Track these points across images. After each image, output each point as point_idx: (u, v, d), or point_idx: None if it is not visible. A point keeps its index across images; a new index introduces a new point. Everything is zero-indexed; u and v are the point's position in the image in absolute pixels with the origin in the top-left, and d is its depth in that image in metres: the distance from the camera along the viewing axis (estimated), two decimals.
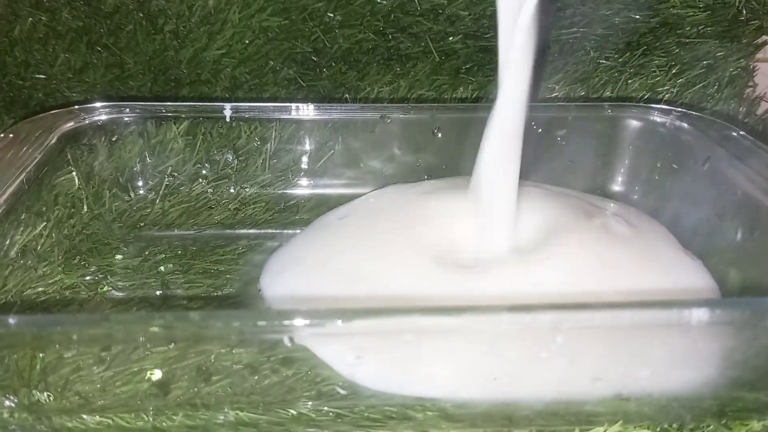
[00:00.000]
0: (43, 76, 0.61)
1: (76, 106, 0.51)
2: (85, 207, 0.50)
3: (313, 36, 0.62)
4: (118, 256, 0.48)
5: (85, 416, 0.34)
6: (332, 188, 0.55)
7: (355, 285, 0.42)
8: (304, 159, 0.55)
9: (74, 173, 0.49)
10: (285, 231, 0.50)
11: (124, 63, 0.61)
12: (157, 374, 0.34)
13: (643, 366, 0.35)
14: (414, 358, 0.36)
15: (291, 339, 0.32)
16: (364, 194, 0.52)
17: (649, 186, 0.53)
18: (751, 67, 0.68)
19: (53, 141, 0.47)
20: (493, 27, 0.43)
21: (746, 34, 0.65)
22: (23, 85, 0.62)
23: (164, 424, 0.34)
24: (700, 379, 0.36)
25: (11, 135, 0.46)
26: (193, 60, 0.61)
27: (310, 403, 0.35)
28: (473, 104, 0.62)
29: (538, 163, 0.55)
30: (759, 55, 0.68)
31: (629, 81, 0.65)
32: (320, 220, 0.50)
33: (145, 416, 0.34)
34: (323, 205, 0.53)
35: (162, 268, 0.47)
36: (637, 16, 0.63)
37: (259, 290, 0.44)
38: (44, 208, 0.46)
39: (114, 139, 0.52)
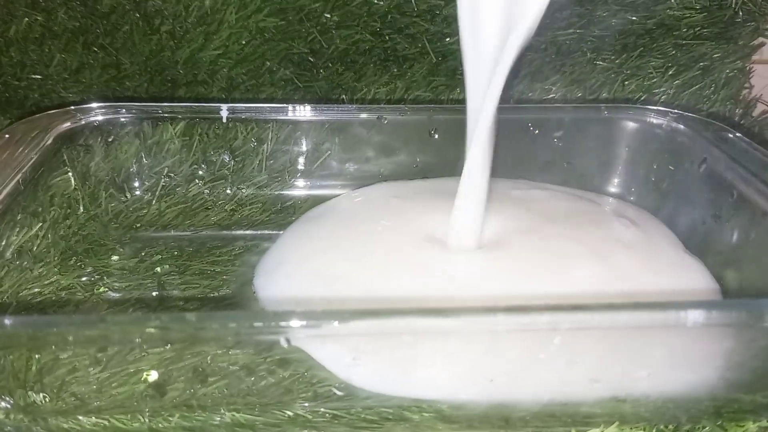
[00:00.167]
0: (39, 77, 0.61)
1: (72, 107, 0.51)
2: (82, 208, 0.49)
3: (309, 37, 0.62)
4: (115, 257, 0.48)
5: (81, 417, 0.34)
6: (329, 189, 0.55)
7: (336, 284, 0.42)
8: (301, 160, 0.55)
9: (70, 174, 0.49)
10: (281, 232, 0.50)
11: (120, 63, 0.61)
12: (153, 375, 0.34)
13: (640, 367, 0.35)
14: (410, 360, 0.36)
15: (288, 340, 0.32)
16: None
17: (646, 188, 0.54)
18: (748, 68, 0.68)
19: (49, 141, 0.47)
20: None
21: (742, 35, 0.66)
22: (19, 86, 0.62)
23: (160, 425, 0.34)
24: (697, 380, 0.36)
25: (7, 135, 0.46)
26: (189, 60, 0.61)
27: (306, 404, 0.35)
28: None
29: (534, 164, 0.56)
30: (755, 57, 0.68)
31: (626, 82, 0.65)
32: (308, 215, 0.51)
33: (141, 417, 0.34)
34: None
35: (158, 269, 0.47)
36: (634, 18, 0.63)
37: (254, 292, 0.44)
38: (40, 209, 0.46)
39: (110, 140, 0.52)
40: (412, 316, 0.30)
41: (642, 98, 0.65)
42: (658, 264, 0.44)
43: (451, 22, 0.62)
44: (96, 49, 0.61)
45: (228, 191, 0.55)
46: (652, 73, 0.65)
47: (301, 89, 0.63)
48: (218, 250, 0.49)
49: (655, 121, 0.53)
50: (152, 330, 0.30)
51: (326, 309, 0.30)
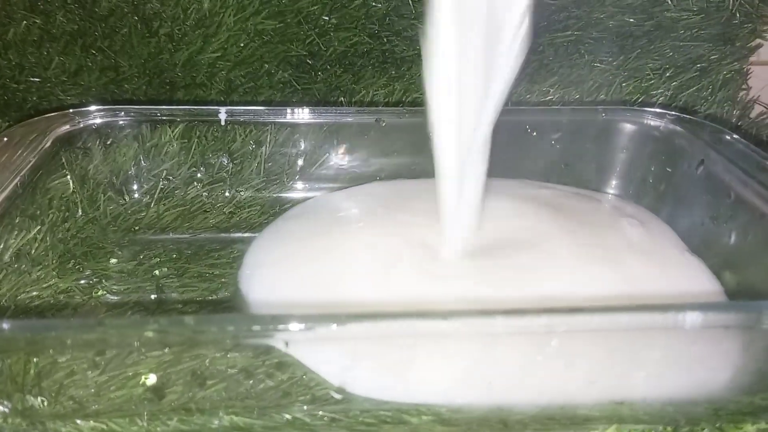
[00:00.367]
0: (37, 79, 0.61)
1: (71, 110, 0.51)
2: (80, 211, 0.49)
3: (308, 39, 0.62)
4: (113, 260, 0.48)
5: (79, 421, 0.34)
6: (327, 192, 0.55)
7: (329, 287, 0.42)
8: (299, 162, 0.55)
9: (69, 177, 0.49)
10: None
11: (118, 66, 0.61)
12: (151, 379, 0.34)
13: (638, 369, 0.35)
14: (408, 364, 0.36)
15: (286, 343, 0.32)
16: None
17: (643, 189, 0.54)
18: (745, 70, 0.68)
19: (48, 144, 0.47)
20: None
21: (740, 37, 0.66)
22: (17, 89, 0.61)
23: (159, 428, 0.34)
24: (695, 382, 0.36)
25: (5, 138, 0.46)
26: (188, 63, 0.61)
27: (304, 407, 0.35)
28: None
29: (532, 166, 0.56)
30: (752, 58, 0.68)
31: (623, 84, 0.65)
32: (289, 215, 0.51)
33: (139, 421, 0.34)
34: None
35: (157, 272, 0.47)
36: (632, 20, 0.63)
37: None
38: (39, 212, 0.46)
39: (109, 143, 0.52)
40: (411, 320, 0.30)
41: (639, 100, 0.65)
42: (665, 265, 0.45)
43: None
44: (94, 52, 0.61)
45: (226, 194, 0.55)
46: (649, 74, 0.65)
47: (299, 91, 0.63)
48: (217, 252, 0.49)
49: (652, 122, 0.53)
50: (150, 333, 0.30)
51: (325, 312, 0.30)
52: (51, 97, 0.62)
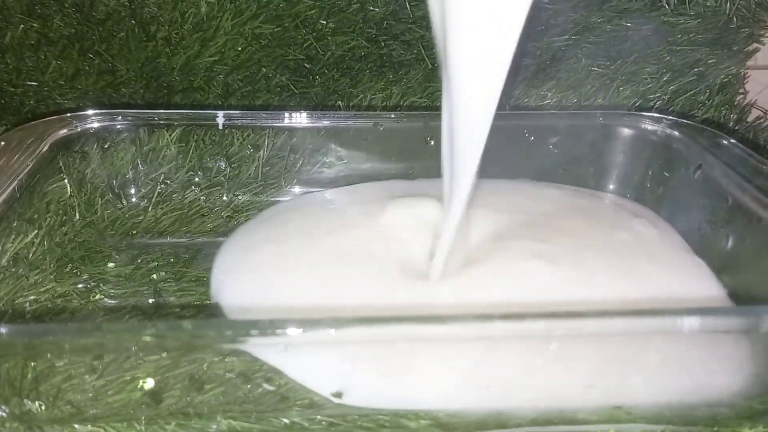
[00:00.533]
0: (34, 83, 0.61)
1: (68, 114, 0.51)
2: (77, 215, 0.49)
3: (305, 43, 0.62)
4: (111, 264, 0.48)
5: (77, 425, 0.34)
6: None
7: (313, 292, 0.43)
8: (297, 166, 0.55)
9: (66, 181, 0.49)
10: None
11: (116, 70, 0.61)
12: (149, 383, 0.34)
13: (636, 374, 0.35)
14: (406, 367, 0.36)
15: (286, 347, 0.32)
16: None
17: (641, 193, 0.54)
18: (742, 74, 0.68)
19: (45, 148, 0.47)
20: None
21: (737, 41, 0.66)
22: (15, 92, 0.61)
23: None
24: (693, 386, 0.36)
25: (3, 142, 0.46)
26: (185, 67, 0.61)
27: (302, 411, 0.35)
28: None
29: (530, 170, 0.56)
30: (749, 63, 0.68)
31: (621, 88, 0.65)
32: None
33: (137, 425, 0.34)
34: None
35: (154, 276, 0.47)
36: (629, 24, 0.63)
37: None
38: (36, 216, 0.46)
39: (106, 147, 0.52)
40: (410, 324, 0.30)
41: (637, 104, 0.65)
42: (677, 268, 0.45)
43: None
44: (92, 56, 0.61)
45: (224, 198, 0.55)
46: (646, 78, 0.65)
47: (297, 96, 0.64)
48: (215, 257, 0.49)
49: (649, 127, 0.53)
50: (148, 338, 0.30)
51: (325, 316, 0.30)
52: (48, 100, 0.62)
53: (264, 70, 0.62)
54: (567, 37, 0.63)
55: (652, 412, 0.35)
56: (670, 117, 0.53)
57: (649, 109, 0.63)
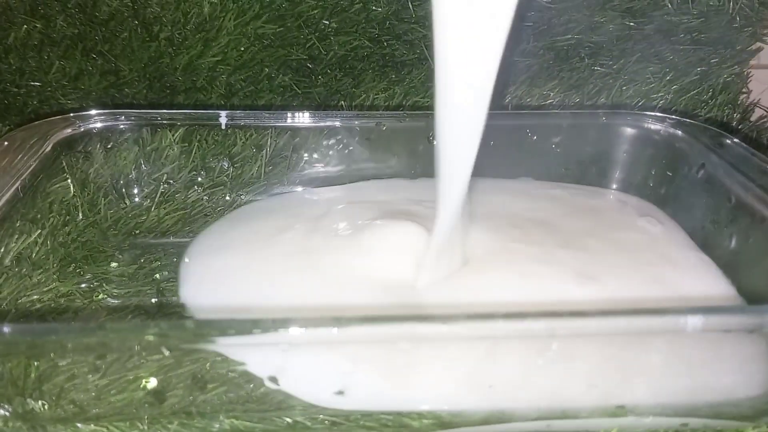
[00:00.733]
0: (38, 84, 0.61)
1: (72, 114, 0.51)
2: (80, 214, 0.49)
3: (308, 43, 0.62)
4: (114, 264, 0.48)
5: (79, 425, 0.34)
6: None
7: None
8: (299, 166, 0.55)
9: (69, 181, 0.49)
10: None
11: (119, 70, 0.61)
12: (152, 382, 0.34)
13: (639, 373, 0.35)
14: (408, 367, 0.36)
15: (287, 346, 0.32)
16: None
17: (644, 193, 0.54)
18: (745, 73, 0.68)
19: (48, 148, 0.47)
20: None
21: (740, 40, 0.66)
22: (18, 93, 0.62)
23: None
24: (696, 385, 0.36)
25: (6, 142, 0.46)
26: (188, 67, 0.61)
27: (305, 411, 0.35)
28: None
29: (532, 170, 0.56)
30: (753, 62, 0.68)
31: (624, 88, 0.65)
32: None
33: (140, 425, 0.34)
34: None
35: (157, 275, 0.47)
36: (632, 23, 0.63)
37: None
38: (39, 216, 0.46)
39: (109, 147, 0.52)
40: (411, 323, 0.30)
41: (640, 103, 0.65)
42: (683, 266, 0.45)
43: None
44: (95, 56, 0.61)
45: (227, 197, 0.55)
46: (649, 78, 0.65)
47: (299, 95, 0.64)
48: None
49: (653, 126, 0.53)
50: (151, 337, 0.30)
51: (326, 315, 0.30)
52: (51, 101, 0.62)
53: (267, 70, 0.62)
54: (570, 36, 0.63)
55: (655, 411, 0.35)
56: (673, 116, 0.53)
57: (652, 109, 0.63)
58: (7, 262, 0.42)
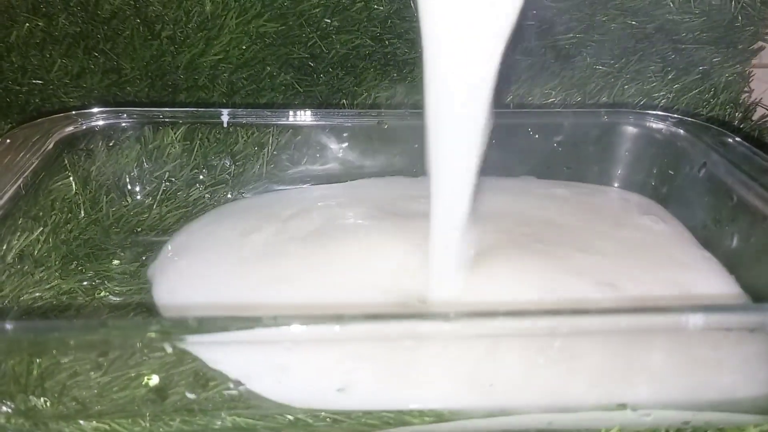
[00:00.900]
0: (40, 82, 0.61)
1: (74, 112, 0.51)
2: (82, 212, 0.49)
3: (310, 41, 0.62)
4: (115, 261, 0.48)
5: (82, 422, 0.34)
6: None
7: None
8: (301, 164, 0.55)
9: (71, 178, 0.49)
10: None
11: (121, 68, 0.61)
12: (154, 379, 0.34)
13: (642, 373, 0.35)
14: (409, 366, 0.36)
15: (289, 345, 0.32)
16: None
17: (646, 192, 0.54)
18: (747, 72, 0.68)
19: (50, 146, 0.47)
20: None
21: (742, 39, 0.66)
22: (20, 91, 0.62)
23: (161, 429, 0.34)
24: (699, 384, 0.36)
25: (8, 140, 0.46)
26: (190, 65, 0.61)
27: (306, 408, 0.35)
28: None
29: (534, 169, 0.56)
30: (755, 61, 0.68)
31: (625, 87, 0.65)
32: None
33: (142, 422, 0.34)
34: None
35: None
36: (633, 22, 0.63)
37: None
38: (41, 213, 0.46)
39: (111, 145, 0.52)
40: (411, 321, 0.31)
41: (641, 102, 0.65)
42: (688, 264, 0.45)
43: None
44: (97, 54, 0.61)
45: (229, 195, 0.55)
46: (651, 77, 0.65)
47: (301, 94, 0.64)
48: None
49: (654, 125, 0.53)
50: (153, 334, 0.30)
51: (327, 313, 0.30)
52: (53, 99, 0.62)
53: (268, 68, 0.62)
54: (572, 35, 0.63)
55: (656, 409, 0.35)
56: (675, 115, 0.53)
57: (653, 108, 0.63)
58: (9, 259, 0.42)
